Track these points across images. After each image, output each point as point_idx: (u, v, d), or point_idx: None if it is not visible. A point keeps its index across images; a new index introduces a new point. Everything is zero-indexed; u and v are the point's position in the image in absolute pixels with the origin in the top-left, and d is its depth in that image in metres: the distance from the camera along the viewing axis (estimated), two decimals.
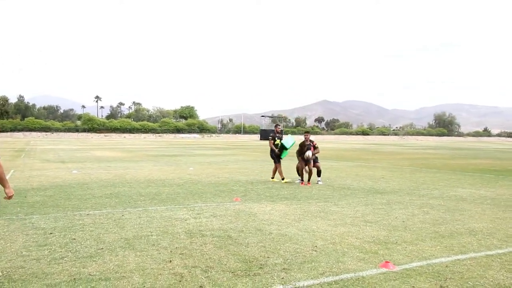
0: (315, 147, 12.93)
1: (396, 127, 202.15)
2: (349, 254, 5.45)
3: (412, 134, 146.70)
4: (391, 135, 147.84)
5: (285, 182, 12.74)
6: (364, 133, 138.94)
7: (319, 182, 12.85)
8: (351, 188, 11.89)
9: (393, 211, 8.51)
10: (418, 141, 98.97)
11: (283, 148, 13.16)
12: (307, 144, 12.74)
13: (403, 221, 7.49)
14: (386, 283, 4.41)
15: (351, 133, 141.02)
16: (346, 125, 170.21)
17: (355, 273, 4.72)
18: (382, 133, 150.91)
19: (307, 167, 12.76)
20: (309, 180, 12.79)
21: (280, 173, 13.09)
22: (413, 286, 4.34)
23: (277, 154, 13.16)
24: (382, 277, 4.59)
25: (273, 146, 13.19)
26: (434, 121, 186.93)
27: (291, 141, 13.38)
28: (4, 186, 4.63)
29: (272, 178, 13.39)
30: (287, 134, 13.97)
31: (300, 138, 14.27)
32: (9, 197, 4.67)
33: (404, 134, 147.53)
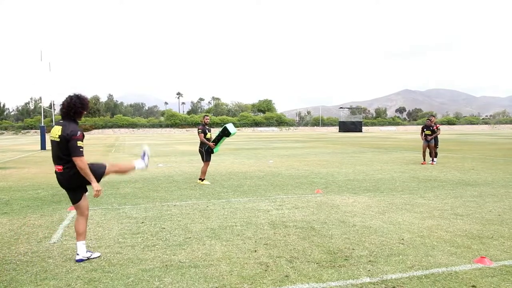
0: (436, 129, 16.24)
1: (486, 116, 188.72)
2: (439, 247, 5.19)
3: (505, 123, 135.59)
4: (480, 124, 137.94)
5: (202, 183, 11.08)
6: (449, 122, 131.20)
7: (433, 162, 15.69)
8: (437, 180, 11.32)
9: (487, 204, 7.97)
10: None
11: (224, 135, 11.18)
12: (431, 127, 16.19)
13: (499, 215, 6.99)
14: (483, 280, 4.14)
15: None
16: (430, 114, 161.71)
17: (447, 267, 4.49)
18: (470, 122, 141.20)
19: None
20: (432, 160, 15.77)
21: (204, 172, 11.25)
22: None
23: (208, 151, 11.22)
24: (478, 273, 4.32)
25: (204, 140, 11.11)
26: None
27: (234, 128, 11.50)
28: (90, 181, 4.68)
29: (202, 180, 11.23)
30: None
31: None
32: (96, 194, 4.67)
33: (496, 123, 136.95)
